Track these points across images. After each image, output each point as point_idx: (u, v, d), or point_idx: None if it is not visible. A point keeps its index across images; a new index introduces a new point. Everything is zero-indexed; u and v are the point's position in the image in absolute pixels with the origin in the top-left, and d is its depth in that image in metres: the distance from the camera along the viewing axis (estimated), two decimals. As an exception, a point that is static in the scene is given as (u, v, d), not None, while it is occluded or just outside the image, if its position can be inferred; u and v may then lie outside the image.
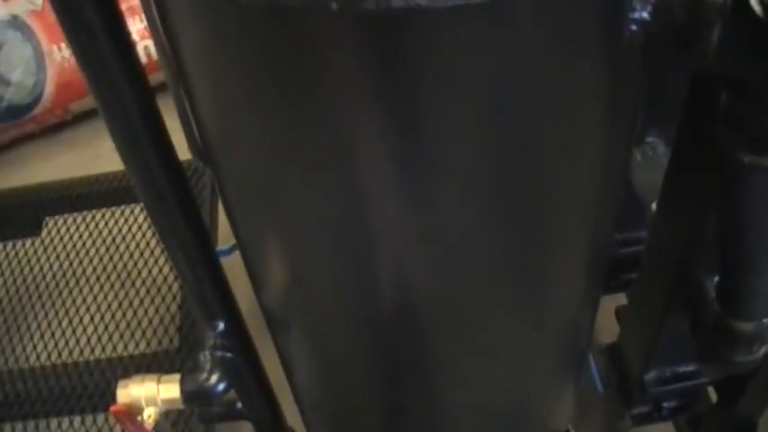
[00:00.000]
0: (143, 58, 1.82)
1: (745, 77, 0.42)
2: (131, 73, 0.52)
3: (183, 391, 0.72)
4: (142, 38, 1.87)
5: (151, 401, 0.73)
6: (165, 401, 0.73)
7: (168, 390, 0.73)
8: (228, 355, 0.72)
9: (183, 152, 0.67)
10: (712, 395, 1.00)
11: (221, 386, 0.73)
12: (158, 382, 0.73)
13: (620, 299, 1.02)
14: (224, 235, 0.79)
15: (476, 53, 0.38)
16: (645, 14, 0.41)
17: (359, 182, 0.46)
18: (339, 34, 0.36)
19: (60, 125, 1.98)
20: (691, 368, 0.93)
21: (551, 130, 0.45)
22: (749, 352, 0.70)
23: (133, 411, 0.73)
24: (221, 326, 0.75)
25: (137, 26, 1.82)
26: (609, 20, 0.40)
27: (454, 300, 0.57)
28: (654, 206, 0.95)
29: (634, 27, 0.42)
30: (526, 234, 0.52)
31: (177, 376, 0.73)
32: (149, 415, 0.74)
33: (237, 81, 0.43)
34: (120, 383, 0.73)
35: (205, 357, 0.72)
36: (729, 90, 0.47)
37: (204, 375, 0.72)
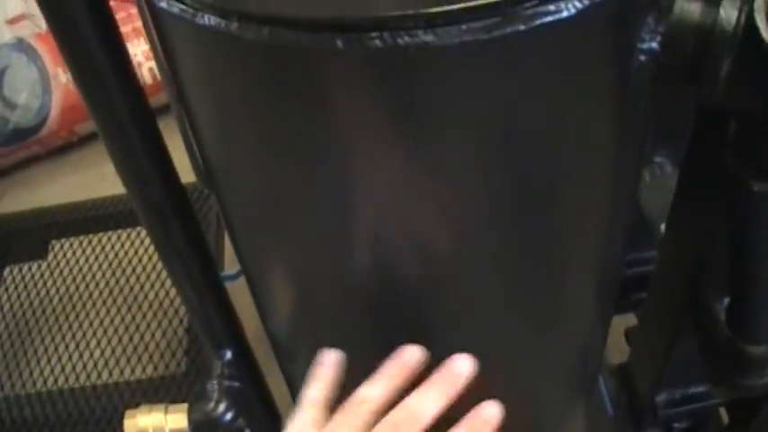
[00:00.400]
0: (148, 79, 1.83)
1: (756, 110, 0.42)
2: (131, 94, 0.51)
3: (191, 421, 0.72)
4: (147, 59, 1.87)
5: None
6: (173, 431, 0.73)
7: (176, 420, 0.72)
8: (236, 384, 0.72)
9: (188, 174, 0.66)
10: (724, 416, 0.98)
11: (229, 415, 0.72)
12: (166, 412, 0.73)
13: (630, 319, 1.01)
14: (231, 259, 0.79)
15: (483, 88, 0.37)
16: (654, 45, 0.41)
17: (364, 211, 0.46)
18: (345, 72, 0.36)
19: (66, 147, 1.98)
20: (702, 389, 0.92)
21: (561, 158, 0.45)
22: (761, 376, 0.69)
23: (141, 442, 0.73)
24: (228, 354, 0.74)
25: (141, 47, 1.83)
26: (618, 51, 0.40)
27: (464, 323, 0.56)
28: (663, 227, 0.95)
29: (643, 57, 0.41)
30: (536, 256, 0.52)
31: (185, 406, 0.73)
32: (157, 445, 0.73)
33: (239, 112, 0.43)
34: (128, 414, 0.73)
35: (212, 387, 0.71)
36: (738, 119, 0.47)
37: (212, 405, 0.71)
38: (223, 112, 0.45)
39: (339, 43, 0.34)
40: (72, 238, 1.51)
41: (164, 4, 0.39)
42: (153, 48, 0.52)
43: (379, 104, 0.38)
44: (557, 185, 0.47)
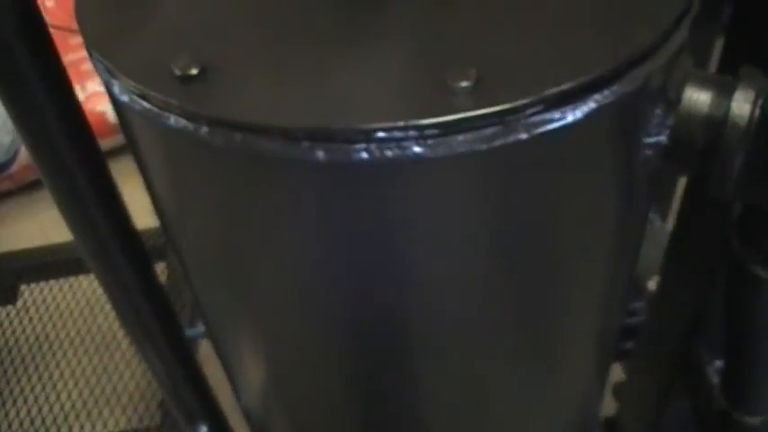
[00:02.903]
0: (112, 118, 1.79)
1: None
2: (76, 135, 0.48)
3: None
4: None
5: None
6: None
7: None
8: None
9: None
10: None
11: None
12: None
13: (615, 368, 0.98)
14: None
15: (478, 198, 0.34)
16: (662, 139, 0.38)
17: (344, 277, 0.41)
18: (326, 183, 0.33)
19: (38, 182, 1.92)
20: (694, 447, 0.90)
21: (560, 246, 0.41)
22: None
23: None
24: (203, 429, 0.70)
25: (96, 88, 1.78)
26: (625, 150, 0.37)
27: (457, 385, 0.52)
28: (650, 284, 0.92)
29: (649, 152, 0.38)
30: (535, 324, 0.48)
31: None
32: None
33: (202, 210, 0.40)
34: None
35: (186, 468, 0.67)
36: (746, 210, 0.44)
37: (185, 488, 0.67)
38: (185, 203, 0.41)
39: (320, 154, 0.31)
40: (42, 283, 1.46)
41: (125, 98, 0.36)
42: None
43: (361, 215, 0.34)
44: (556, 266, 0.43)
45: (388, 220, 0.34)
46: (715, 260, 0.62)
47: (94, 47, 0.38)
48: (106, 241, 0.54)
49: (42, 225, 1.79)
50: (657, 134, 0.38)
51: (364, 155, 0.30)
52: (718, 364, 0.74)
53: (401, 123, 0.30)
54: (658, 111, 0.37)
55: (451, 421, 0.56)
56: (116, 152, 1.35)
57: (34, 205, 1.93)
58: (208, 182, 0.36)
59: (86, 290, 1.43)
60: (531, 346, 0.49)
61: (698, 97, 0.38)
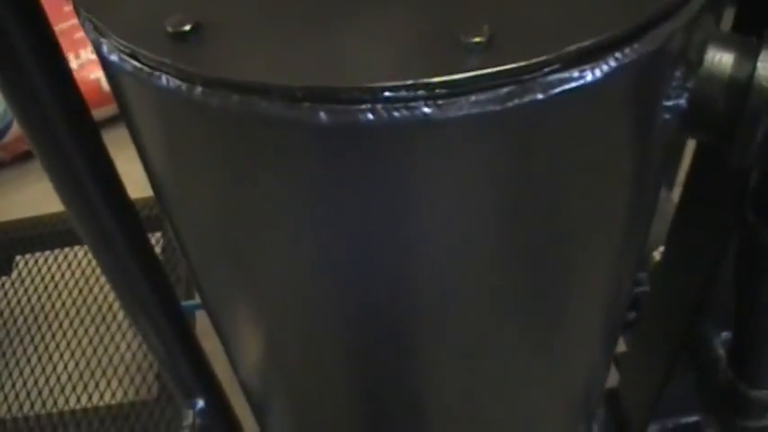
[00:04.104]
0: (106, 87, 1.77)
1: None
2: (67, 103, 0.46)
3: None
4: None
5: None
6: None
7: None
8: (209, 438, 0.66)
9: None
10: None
11: (201, 472, 0.67)
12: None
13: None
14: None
15: (489, 161, 0.32)
16: (681, 102, 0.36)
17: (346, 246, 0.39)
18: (329, 147, 0.31)
19: (31, 153, 1.90)
20: (695, 419, 0.90)
21: (573, 215, 0.39)
22: (761, 419, 0.68)
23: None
24: (200, 403, 0.69)
25: (89, 56, 1.76)
26: (642, 113, 0.35)
27: (464, 358, 0.50)
28: (655, 254, 0.91)
29: (668, 116, 0.36)
30: (544, 299, 0.47)
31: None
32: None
33: (198, 176, 0.38)
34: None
35: (183, 442, 0.66)
36: (763, 179, 0.42)
37: (182, 462, 0.66)
38: (180, 171, 0.39)
39: (323, 115, 0.29)
40: (38, 254, 1.44)
41: (114, 58, 0.34)
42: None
43: (367, 180, 0.32)
44: (568, 237, 0.42)
45: (394, 185, 0.32)
46: (724, 232, 0.61)
47: (82, 4, 0.36)
48: (99, 212, 0.52)
49: (36, 196, 1.77)
50: (677, 97, 0.36)
51: (369, 116, 0.28)
52: (725, 335, 0.73)
53: (410, 82, 0.28)
54: (678, 72, 0.35)
55: (456, 394, 0.55)
56: (113, 121, 1.33)
57: (28, 176, 1.91)
58: (203, 147, 0.34)
59: (82, 261, 1.41)
60: (540, 318, 0.48)
61: (720, 58, 0.36)
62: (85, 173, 0.49)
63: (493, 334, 0.48)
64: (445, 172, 0.31)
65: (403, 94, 0.28)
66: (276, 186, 0.33)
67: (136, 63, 0.32)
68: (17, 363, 1.31)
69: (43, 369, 1.28)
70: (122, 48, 0.33)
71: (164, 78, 0.31)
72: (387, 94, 0.28)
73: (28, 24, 0.42)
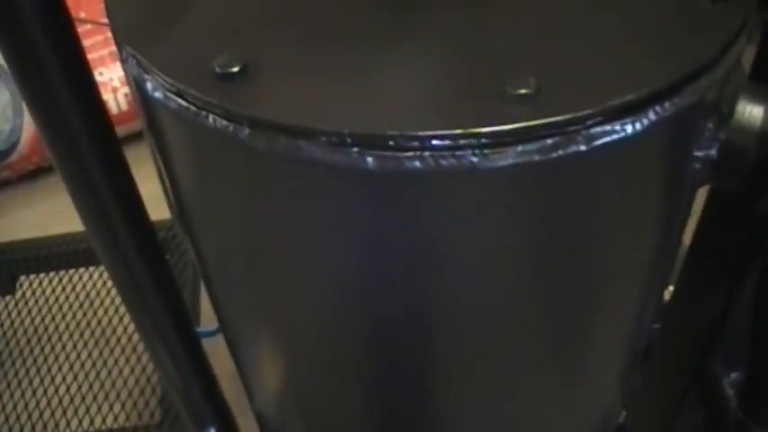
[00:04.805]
0: (124, 106, 1.77)
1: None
2: (92, 121, 0.45)
3: None
4: (123, 84, 1.81)
5: None
6: None
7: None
8: (221, 470, 0.66)
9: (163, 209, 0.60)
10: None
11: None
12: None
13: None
14: (210, 313, 0.70)
15: (527, 208, 0.33)
16: (712, 153, 0.36)
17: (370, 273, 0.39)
18: (374, 192, 0.31)
19: (37, 172, 1.92)
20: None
21: (602, 256, 0.40)
22: None
23: None
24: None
25: (118, 72, 1.77)
26: (675, 163, 0.35)
27: (482, 389, 0.50)
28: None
29: (698, 166, 0.37)
30: (568, 337, 0.47)
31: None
32: None
33: (229, 213, 0.38)
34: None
35: (194, 472, 0.66)
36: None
37: (193, 493, 0.65)
38: (216, 207, 0.40)
39: (370, 161, 0.29)
40: (42, 274, 1.44)
41: (159, 95, 0.34)
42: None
43: (410, 223, 0.33)
44: (596, 277, 0.42)
45: (437, 229, 0.32)
46: (737, 274, 0.61)
47: (126, 40, 0.36)
48: (119, 232, 0.52)
49: (42, 215, 1.78)
50: (708, 148, 0.36)
51: (417, 163, 0.29)
52: (734, 376, 0.73)
53: (458, 131, 0.28)
54: (710, 124, 0.36)
55: (474, 423, 0.55)
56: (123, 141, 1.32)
57: (34, 194, 1.91)
58: (245, 186, 0.35)
59: (86, 283, 1.41)
60: (561, 359, 0.48)
61: (751, 111, 0.37)
62: (107, 190, 0.49)
63: (514, 367, 0.48)
64: (487, 217, 0.32)
65: (450, 143, 0.29)
66: (318, 226, 0.34)
67: (182, 102, 0.33)
68: (19, 383, 1.30)
69: (45, 391, 1.28)
70: (168, 86, 0.34)
71: (210, 118, 0.32)
72: (435, 142, 0.29)
73: (58, 39, 0.41)
